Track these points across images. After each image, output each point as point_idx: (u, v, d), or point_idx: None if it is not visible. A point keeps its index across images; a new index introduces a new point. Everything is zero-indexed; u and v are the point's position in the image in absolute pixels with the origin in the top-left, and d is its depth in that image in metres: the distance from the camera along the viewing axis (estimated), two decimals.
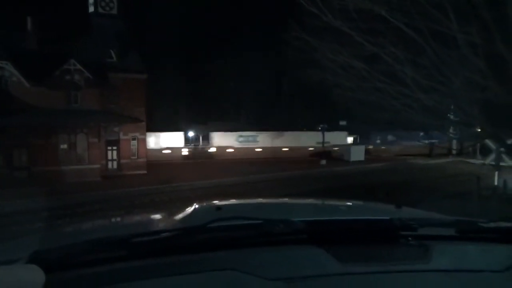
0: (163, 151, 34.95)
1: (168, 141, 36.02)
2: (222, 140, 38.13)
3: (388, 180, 23.47)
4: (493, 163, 13.98)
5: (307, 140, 38.86)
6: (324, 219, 1.44)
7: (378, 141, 42.63)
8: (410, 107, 9.66)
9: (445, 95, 9.30)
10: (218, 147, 37.77)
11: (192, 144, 39.15)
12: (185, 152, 36.90)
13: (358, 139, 44.35)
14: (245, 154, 35.88)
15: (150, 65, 29.86)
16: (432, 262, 1.09)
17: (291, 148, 38.13)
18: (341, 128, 41.07)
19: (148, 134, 30.64)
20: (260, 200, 2.61)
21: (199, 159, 35.28)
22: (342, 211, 1.91)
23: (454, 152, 35.92)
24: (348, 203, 2.14)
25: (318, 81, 11.24)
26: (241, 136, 38.40)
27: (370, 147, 39.91)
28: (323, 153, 34.11)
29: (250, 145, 37.73)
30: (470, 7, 8.28)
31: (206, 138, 40.10)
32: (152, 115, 34.24)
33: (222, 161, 34.65)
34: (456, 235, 1.28)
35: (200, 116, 43.75)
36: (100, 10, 28.57)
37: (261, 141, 38.26)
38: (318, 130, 37.44)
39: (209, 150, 37.95)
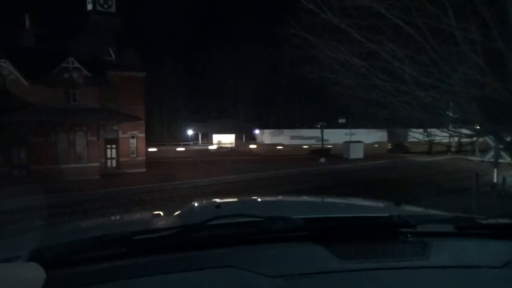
0: (375, 145, 42.30)
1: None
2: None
3: (387, 177, 23.51)
4: (492, 160, 13.98)
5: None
6: (324, 216, 1.44)
7: None
8: (409, 104, 9.64)
9: (443, 92, 9.28)
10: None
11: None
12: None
13: None
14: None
15: (148, 63, 29.84)
16: (431, 259, 1.10)
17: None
18: (341, 126, 41.11)
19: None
20: (259, 197, 2.61)
21: None
22: (341, 208, 1.91)
23: (453, 149, 35.88)
24: (348, 200, 2.14)
25: (317, 78, 11.21)
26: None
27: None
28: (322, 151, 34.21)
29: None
30: (468, 3, 8.27)
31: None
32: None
33: None
34: (455, 231, 1.28)
35: (199, 114, 43.79)
36: (99, 8, 28.49)
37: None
38: (317, 128, 37.32)
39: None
